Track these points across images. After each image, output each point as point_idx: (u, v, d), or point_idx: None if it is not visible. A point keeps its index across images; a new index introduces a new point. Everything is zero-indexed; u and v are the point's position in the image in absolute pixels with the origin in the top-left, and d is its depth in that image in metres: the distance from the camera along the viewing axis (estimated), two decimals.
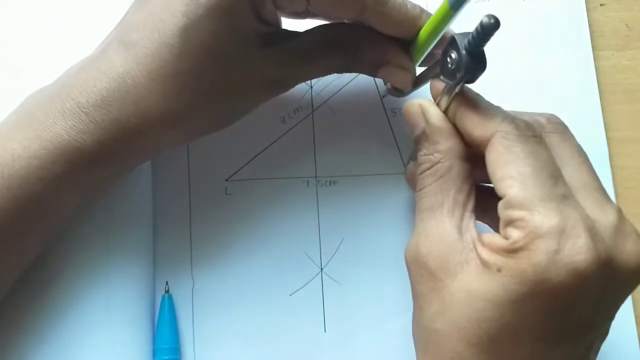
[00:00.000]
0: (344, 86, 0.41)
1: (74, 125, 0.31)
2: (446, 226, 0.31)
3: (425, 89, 0.35)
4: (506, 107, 0.32)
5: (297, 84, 0.37)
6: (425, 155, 0.33)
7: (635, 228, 0.30)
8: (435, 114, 0.33)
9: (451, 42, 0.31)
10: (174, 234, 0.39)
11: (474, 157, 0.32)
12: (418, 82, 0.36)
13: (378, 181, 0.40)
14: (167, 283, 0.38)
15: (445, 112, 0.33)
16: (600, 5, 0.44)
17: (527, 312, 0.28)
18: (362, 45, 0.36)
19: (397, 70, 0.36)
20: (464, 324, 0.29)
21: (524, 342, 0.28)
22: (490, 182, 0.31)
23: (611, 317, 0.30)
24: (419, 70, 0.36)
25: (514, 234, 0.28)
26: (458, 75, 0.31)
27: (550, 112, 0.33)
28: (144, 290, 0.37)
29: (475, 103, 0.31)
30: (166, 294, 0.38)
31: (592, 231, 0.28)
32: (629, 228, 0.29)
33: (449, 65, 0.31)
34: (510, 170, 0.29)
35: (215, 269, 0.38)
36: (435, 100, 0.33)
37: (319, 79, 0.41)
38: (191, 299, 0.38)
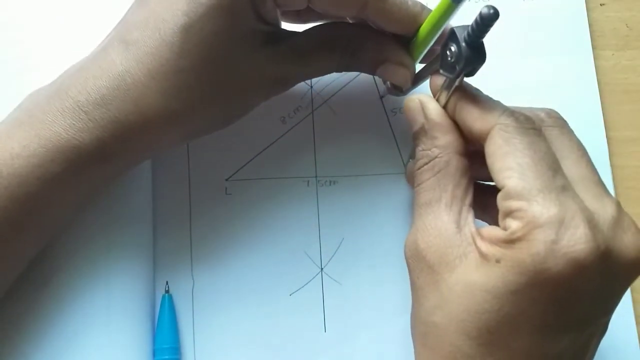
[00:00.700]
0: (344, 86, 0.41)
1: (73, 124, 0.31)
2: (444, 220, 0.31)
3: (426, 85, 0.35)
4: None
5: (296, 83, 0.37)
6: (424, 150, 0.33)
7: (634, 221, 0.30)
8: (434, 110, 0.33)
9: (450, 36, 0.31)
10: (174, 233, 0.39)
11: (472, 154, 0.32)
12: (417, 79, 0.37)
13: (378, 181, 0.40)
14: (167, 283, 0.38)
15: (444, 107, 0.33)
16: (600, 5, 0.44)
17: (526, 303, 0.28)
18: (362, 44, 0.36)
19: (397, 68, 0.36)
20: (462, 317, 0.29)
21: (523, 334, 0.28)
22: (489, 180, 0.31)
23: (610, 311, 0.30)
24: (419, 67, 0.36)
25: (513, 224, 0.28)
26: (458, 68, 0.31)
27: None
28: (144, 290, 0.37)
29: (475, 97, 0.32)
30: (166, 294, 0.38)
31: (591, 222, 0.28)
32: (628, 221, 0.29)
33: (449, 59, 0.31)
34: (509, 162, 0.29)
35: (216, 268, 0.38)
36: (434, 95, 0.34)
37: (319, 78, 0.41)
38: (191, 299, 0.38)
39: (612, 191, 0.41)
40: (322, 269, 0.39)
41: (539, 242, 0.27)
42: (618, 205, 0.30)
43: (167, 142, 0.34)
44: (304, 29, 0.36)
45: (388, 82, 0.39)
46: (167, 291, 0.38)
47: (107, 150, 0.32)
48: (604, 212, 0.29)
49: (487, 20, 0.28)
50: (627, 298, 0.39)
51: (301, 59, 0.35)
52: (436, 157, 0.32)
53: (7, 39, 0.40)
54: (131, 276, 0.37)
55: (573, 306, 0.28)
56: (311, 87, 0.41)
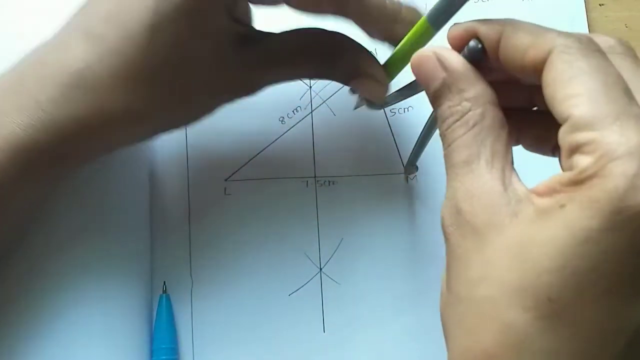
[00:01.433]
0: (343, 86, 0.41)
1: (31, 123, 0.30)
2: (487, 178, 0.26)
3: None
4: None
5: (266, 87, 0.35)
6: (451, 107, 0.27)
7: None
8: (455, 59, 0.27)
9: None
10: (173, 233, 0.39)
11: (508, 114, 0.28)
12: (395, 98, 0.35)
13: (377, 181, 0.40)
14: (164, 283, 0.38)
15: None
16: (600, 5, 0.44)
17: (598, 254, 0.22)
18: (339, 54, 0.34)
19: (371, 83, 0.34)
20: (515, 285, 0.23)
21: (594, 299, 0.22)
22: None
23: None
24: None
25: (582, 161, 0.23)
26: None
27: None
28: (142, 290, 0.37)
29: (521, 24, 0.27)
30: (163, 294, 0.37)
31: None
32: None
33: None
34: (576, 87, 0.24)
35: (214, 268, 0.38)
36: (454, 45, 0.29)
37: None
38: (190, 299, 0.38)
39: None
40: (321, 269, 0.39)
41: (617, 176, 0.22)
42: None
43: (129, 140, 0.33)
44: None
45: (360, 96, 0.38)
46: (164, 291, 0.38)
47: (67, 149, 0.31)
48: None
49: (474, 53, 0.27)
50: None
51: (274, 65, 0.34)
52: (469, 110, 0.27)
53: (7, 38, 0.40)
54: (129, 276, 0.36)
55: None
56: (310, 87, 0.41)
